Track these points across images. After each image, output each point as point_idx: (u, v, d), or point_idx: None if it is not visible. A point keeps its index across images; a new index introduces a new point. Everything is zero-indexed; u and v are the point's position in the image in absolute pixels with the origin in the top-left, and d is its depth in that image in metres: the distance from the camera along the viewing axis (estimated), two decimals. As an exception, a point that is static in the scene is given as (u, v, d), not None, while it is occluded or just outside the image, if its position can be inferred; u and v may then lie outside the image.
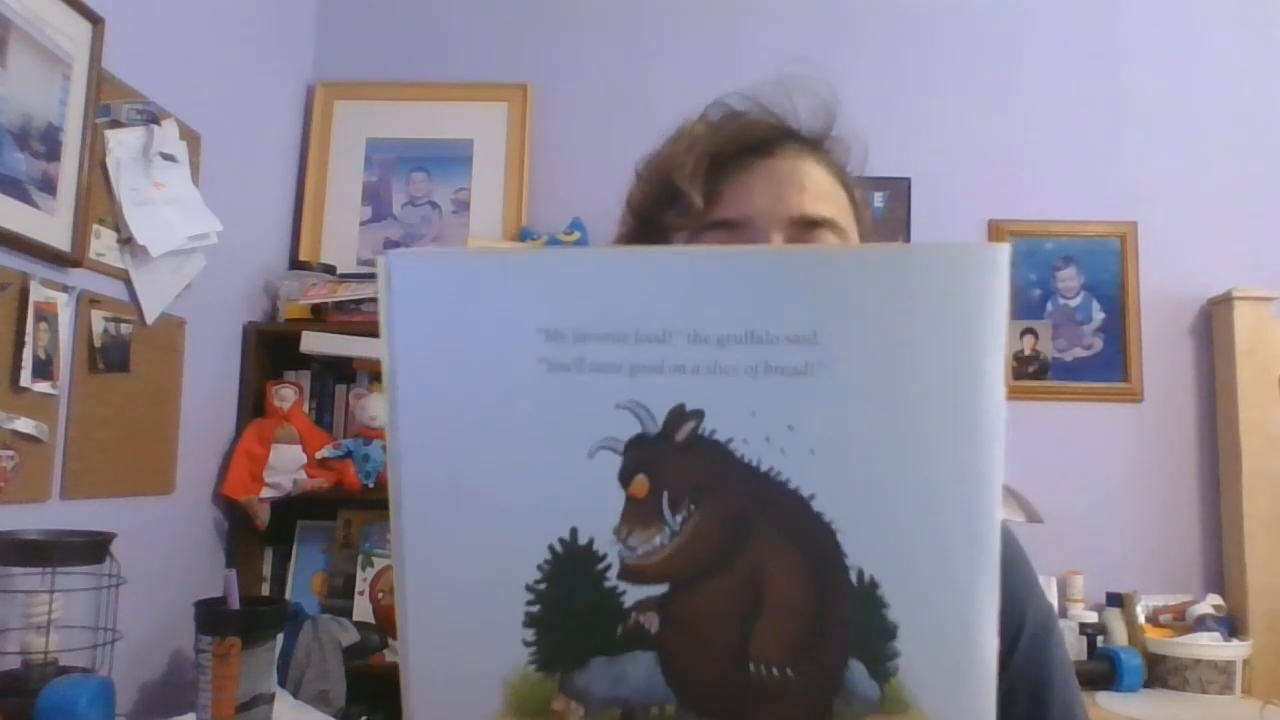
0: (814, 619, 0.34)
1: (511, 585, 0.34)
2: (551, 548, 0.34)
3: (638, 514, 0.34)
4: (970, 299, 0.32)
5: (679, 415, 0.33)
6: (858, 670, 0.34)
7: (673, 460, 0.33)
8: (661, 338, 0.33)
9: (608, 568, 0.34)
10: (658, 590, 0.34)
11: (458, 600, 0.34)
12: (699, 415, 0.33)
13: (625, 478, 0.34)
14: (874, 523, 0.33)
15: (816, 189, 0.70)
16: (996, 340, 0.33)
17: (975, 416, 0.33)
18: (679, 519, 0.34)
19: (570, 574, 0.34)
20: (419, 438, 0.34)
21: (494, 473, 0.34)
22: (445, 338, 0.34)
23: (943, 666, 0.34)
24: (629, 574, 0.34)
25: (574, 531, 0.34)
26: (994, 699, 0.34)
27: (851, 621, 0.33)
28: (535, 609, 0.34)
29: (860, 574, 0.33)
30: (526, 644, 0.34)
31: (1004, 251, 0.32)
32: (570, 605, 0.34)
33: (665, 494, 0.34)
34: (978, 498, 0.33)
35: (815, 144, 0.73)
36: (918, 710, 0.33)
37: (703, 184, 0.69)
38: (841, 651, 0.34)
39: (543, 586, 0.34)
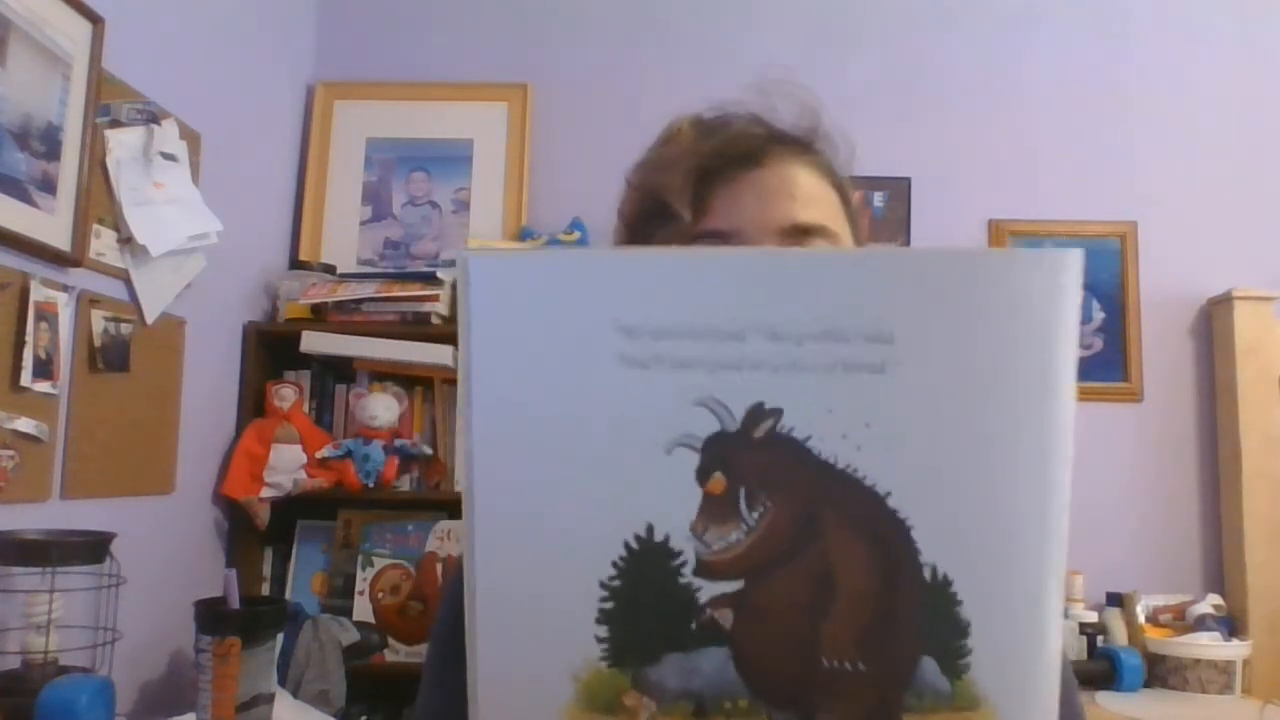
0: (886, 614, 0.34)
1: (585, 581, 0.34)
2: (627, 544, 0.34)
3: (715, 510, 0.34)
4: (1044, 302, 0.33)
5: (758, 413, 0.33)
6: (928, 665, 0.34)
7: (751, 457, 0.33)
8: (739, 335, 0.33)
9: (683, 564, 0.34)
10: (732, 586, 0.34)
11: (530, 596, 0.34)
12: (778, 413, 0.33)
13: (703, 474, 0.34)
14: (948, 520, 0.34)
15: (805, 195, 0.69)
16: (1069, 342, 0.33)
17: (1048, 417, 0.33)
18: (755, 515, 0.34)
19: (645, 570, 0.34)
20: (495, 433, 0.34)
21: (570, 469, 0.34)
22: (523, 334, 0.34)
23: (1013, 664, 0.34)
24: (705, 570, 0.34)
25: (650, 528, 0.34)
26: (1058, 696, 0.34)
27: (924, 617, 0.34)
28: (609, 605, 0.34)
29: (934, 570, 0.34)
30: (599, 640, 0.34)
31: (1077, 257, 0.33)
32: (644, 601, 0.34)
33: (742, 491, 0.34)
34: (1049, 498, 0.34)
35: (803, 147, 0.73)
36: (988, 706, 0.34)
37: (691, 199, 0.68)
38: (913, 647, 0.34)
39: (617, 583, 0.34)
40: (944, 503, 0.34)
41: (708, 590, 0.34)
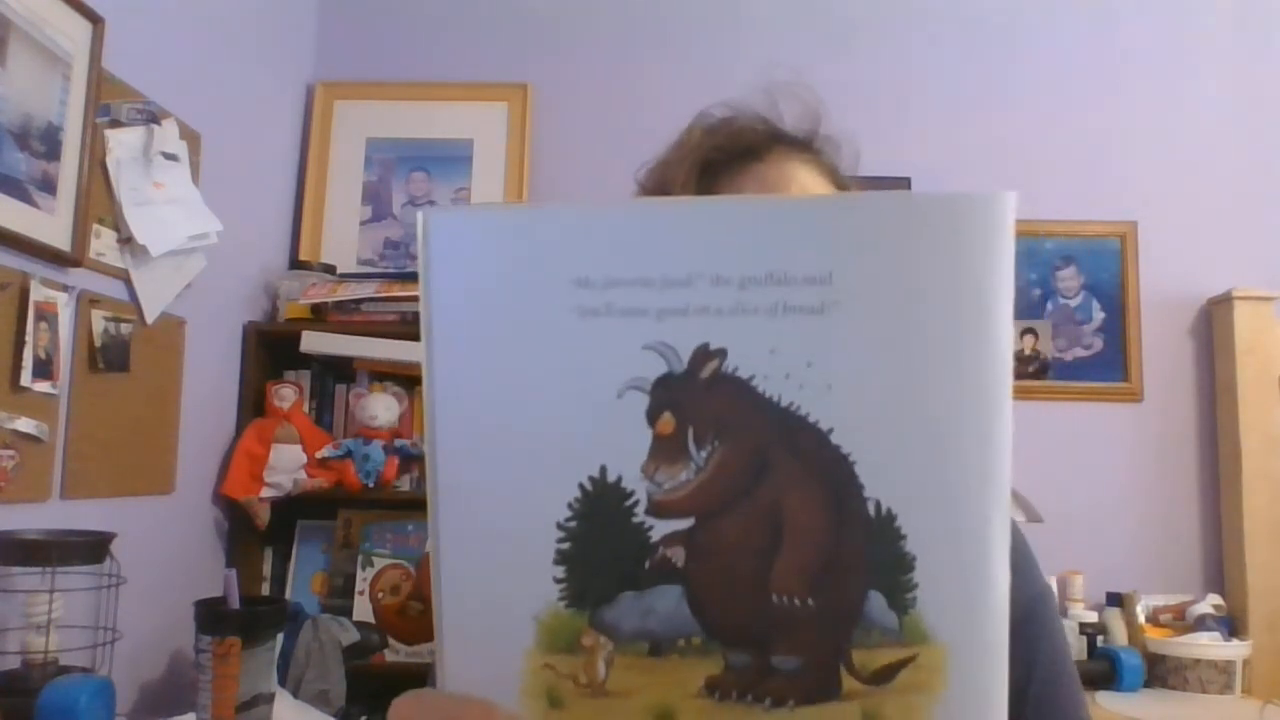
0: (833, 550, 0.35)
1: (543, 524, 0.35)
2: (582, 486, 0.35)
3: (664, 450, 0.35)
4: (978, 243, 0.34)
5: (703, 354, 0.34)
6: (876, 601, 0.34)
7: (697, 398, 0.34)
8: (686, 281, 0.34)
9: (635, 504, 0.35)
10: (683, 524, 0.35)
11: (491, 541, 0.35)
12: (722, 354, 0.34)
13: (652, 416, 0.35)
14: (890, 456, 0.34)
15: (805, 192, 0.71)
16: (1004, 282, 0.34)
17: (984, 354, 0.34)
18: (704, 454, 0.35)
19: (600, 511, 0.35)
20: (455, 385, 0.36)
21: (527, 416, 0.35)
22: (481, 288, 0.35)
23: (959, 598, 0.34)
24: (656, 509, 0.35)
25: (603, 469, 0.35)
26: (1006, 632, 0.35)
27: (870, 552, 0.34)
28: (566, 546, 0.35)
29: (878, 505, 0.34)
30: (557, 581, 0.35)
31: (1010, 198, 0.34)
32: (599, 541, 0.35)
33: (690, 430, 0.35)
34: (989, 434, 0.34)
35: (804, 146, 0.74)
36: (935, 641, 0.34)
37: (695, 191, 0.70)
38: (860, 582, 0.34)
39: (573, 524, 0.35)
40: (885, 438, 0.34)
41: (659, 529, 0.35)
